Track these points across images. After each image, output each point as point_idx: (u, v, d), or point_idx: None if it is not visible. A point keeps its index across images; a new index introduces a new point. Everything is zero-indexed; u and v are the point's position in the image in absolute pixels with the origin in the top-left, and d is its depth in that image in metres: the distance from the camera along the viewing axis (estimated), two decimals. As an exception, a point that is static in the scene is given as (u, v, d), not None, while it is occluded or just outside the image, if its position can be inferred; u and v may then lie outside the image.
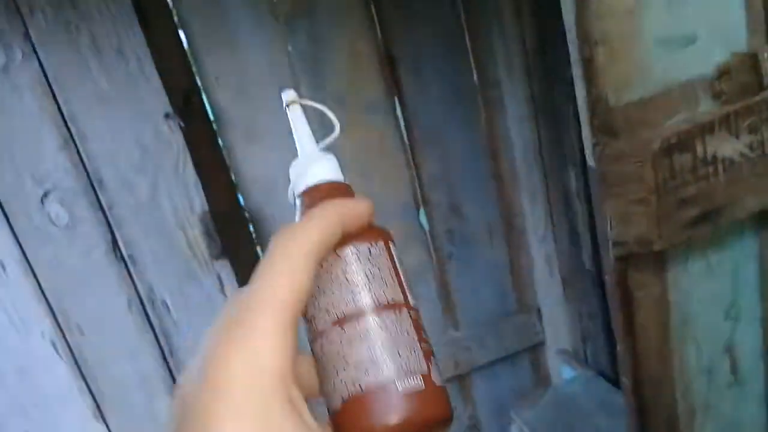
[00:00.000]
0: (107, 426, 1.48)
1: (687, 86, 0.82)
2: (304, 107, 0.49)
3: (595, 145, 0.81)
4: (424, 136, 1.70)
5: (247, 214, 1.61)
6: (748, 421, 1.02)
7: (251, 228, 1.62)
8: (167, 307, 1.46)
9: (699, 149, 0.82)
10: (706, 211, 0.85)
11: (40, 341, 1.40)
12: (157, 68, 1.32)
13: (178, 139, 1.36)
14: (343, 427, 0.39)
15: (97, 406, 1.46)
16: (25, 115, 1.28)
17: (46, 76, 1.27)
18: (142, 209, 1.39)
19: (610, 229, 0.84)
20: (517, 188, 1.84)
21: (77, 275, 1.38)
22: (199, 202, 1.40)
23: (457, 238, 1.81)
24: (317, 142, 0.48)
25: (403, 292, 0.42)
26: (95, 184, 1.35)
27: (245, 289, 0.38)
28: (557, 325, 1.90)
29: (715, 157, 0.82)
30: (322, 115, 0.47)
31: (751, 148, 0.83)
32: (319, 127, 0.48)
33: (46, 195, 1.32)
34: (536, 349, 1.99)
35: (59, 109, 1.29)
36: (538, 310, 1.94)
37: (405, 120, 1.68)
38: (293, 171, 0.47)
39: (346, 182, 0.47)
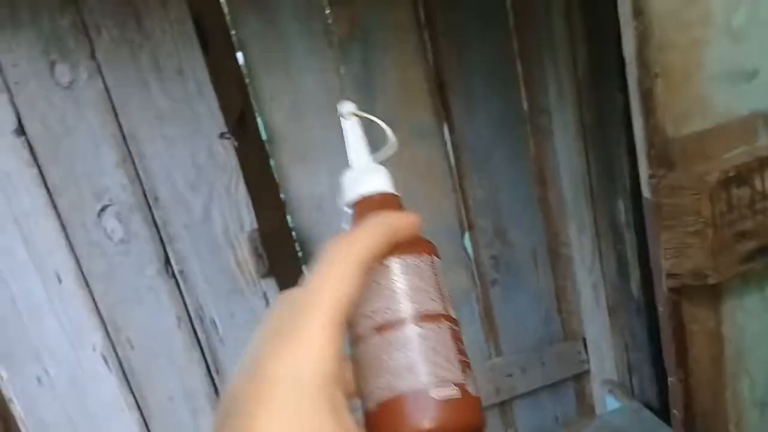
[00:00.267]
0: (154, 440, 1.50)
1: (747, 120, 0.81)
2: (360, 120, 0.50)
3: (651, 177, 0.81)
4: (472, 161, 1.71)
5: (294, 234, 1.62)
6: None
7: (298, 247, 1.63)
8: (215, 325, 1.47)
9: (757, 183, 0.81)
10: (762, 246, 0.84)
11: (91, 353, 1.42)
12: (214, 89, 1.35)
13: (231, 159, 1.38)
14: (376, 429, 0.40)
15: (144, 421, 1.48)
16: (86, 132, 1.31)
17: (109, 94, 1.31)
18: (194, 227, 1.41)
19: (665, 260, 0.84)
20: (564, 216, 1.83)
21: (130, 290, 1.41)
22: (249, 221, 1.42)
23: (502, 264, 1.81)
24: (371, 154, 0.49)
25: (444, 305, 0.43)
26: (150, 201, 1.38)
27: (295, 290, 0.40)
28: (603, 355, 1.87)
29: (773, 192, 0.82)
30: (374, 133, 0.49)
31: (810, 183, 0.82)
32: (371, 144, 0.50)
33: (103, 210, 1.36)
34: (581, 378, 1.97)
35: (119, 126, 1.33)
36: (584, 339, 1.93)
37: (453, 145, 1.69)
38: (346, 180, 0.48)
39: (397, 194, 0.48)
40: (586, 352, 1.93)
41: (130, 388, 1.46)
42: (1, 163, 1.29)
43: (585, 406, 2.00)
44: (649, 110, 0.78)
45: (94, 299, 1.40)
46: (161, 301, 1.43)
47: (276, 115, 1.54)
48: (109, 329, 1.42)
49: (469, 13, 1.61)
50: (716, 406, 0.92)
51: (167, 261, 1.42)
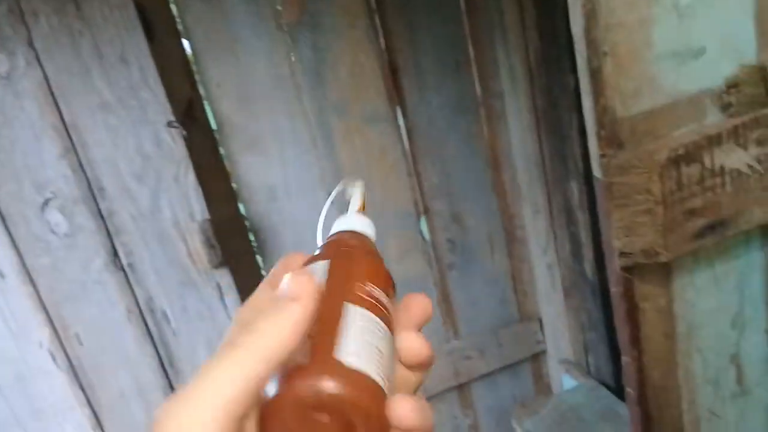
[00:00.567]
0: (106, 437, 1.47)
1: (695, 98, 0.82)
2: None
3: (601, 156, 0.81)
4: (426, 145, 1.70)
5: (247, 223, 1.60)
6: (753, 430, 1.01)
7: (252, 237, 1.61)
8: (167, 317, 1.45)
9: (706, 161, 0.82)
10: (712, 223, 0.84)
11: (37, 351, 1.39)
12: (159, 76, 1.31)
13: (179, 148, 1.35)
14: (278, 398, 0.38)
15: (96, 417, 1.45)
16: (26, 122, 1.27)
17: (48, 83, 1.26)
18: (142, 218, 1.38)
19: (617, 240, 0.84)
20: (518, 199, 1.83)
21: (76, 284, 1.37)
22: (199, 210, 1.39)
23: (459, 248, 1.81)
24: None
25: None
26: (96, 193, 1.34)
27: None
28: (559, 335, 1.89)
29: (722, 169, 0.82)
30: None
31: (758, 160, 0.83)
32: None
33: (46, 203, 1.32)
34: (538, 358, 1.99)
35: (60, 116, 1.29)
36: (540, 320, 1.94)
37: (407, 129, 1.68)
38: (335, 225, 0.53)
39: (369, 238, 0.52)
40: (543, 333, 1.95)
41: (80, 385, 1.43)
42: (-63, 156, 1.24)
43: (542, 386, 2.02)
44: (598, 90, 0.77)
45: (39, 295, 1.36)
46: (110, 295, 1.40)
47: (225, 102, 1.51)
48: (56, 325, 1.38)
49: (420, -5, 1.60)
50: (669, 383, 0.93)
51: (115, 254, 1.38)
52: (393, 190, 1.70)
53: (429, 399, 1.85)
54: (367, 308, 0.42)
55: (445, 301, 1.83)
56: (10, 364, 1.37)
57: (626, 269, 0.86)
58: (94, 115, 1.30)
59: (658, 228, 0.82)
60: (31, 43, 1.24)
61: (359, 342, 0.40)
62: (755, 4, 0.81)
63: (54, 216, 1.32)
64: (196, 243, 1.41)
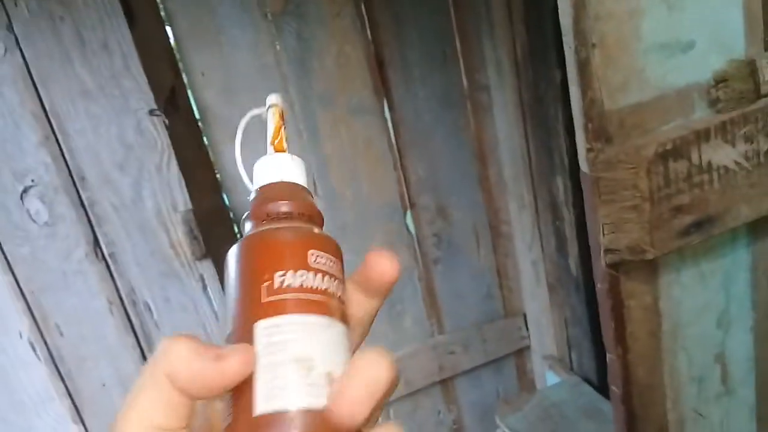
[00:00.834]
0: (86, 428, 1.45)
1: (683, 92, 0.81)
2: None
3: (588, 150, 0.80)
4: (412, 138, 1.69)
5: (231, 214, 1.58)
6: (738, 430, 1.01)
7: (236, 228, 1.59)
8: (149, 308, 1.43)
9: (694, 156, 0.81)
10: (699, 220, 0.84)
11: (17, 341, 1.36)
12: (142, 64, 1.29)
13: (162, 137, 1.33)
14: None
15: (76, 409, 1.43)
16: (5, 109, 1.25)
17: (28, 69, 1.24)
18: (124, 208, 1.36)
19: (603, 236, 0.83)
20: (504, 194, 1.82)
21: (57, 274, 1.35)
22: (182, 201, 1.37)
23: (444, 242, 1.80)
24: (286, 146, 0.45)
25: None
26: (77, 181, 1.32)
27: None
28: (543, 331, 1.88)
29: (710, 165, 0.81)
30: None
31: (746, 157, 0.82)
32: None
33: (26, 191, 1.29)
34: (522, 354, 1.98)
35: (41, 103, 1.26)
36: (524, 315, 1.94)
37: (393, 122, 1.67)
38: (257, 167, 0.44)
39: (303, 186, 0.43)
40: (527, 329, 1.95)
41: (61, 376, 1.41)
42: None
43: (525, 382, 2.02)
44: (585, 82, 0.76)
45: (18, 284, 1.34)
46: (91, 286, 1.38)
47: (208, 91, 1.49)
48: (36, 315, 1.36)
49: (407, -14, 1.58)
50: (654, 381, 0.92)
51: (96, 244, 1.36)
52: (379, 183, 1.68)
53: (412, 393, 1.85)
54: (278, 312, 0.35)
55: (430, 295, 1.82)
56: (-12, 355, 1.35)
57: (612, 266, 0.85)
58: (75, 103, 1.28)
59: (644, 225, 0.81)
60: (10, 28, 1.21)
61: (268, 372, 0.34)
62: (745, -1, 0.81)
63: (34, 204, 1.30)
64: (179, 234, 1.39)
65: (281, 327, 0.35)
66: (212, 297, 1.43)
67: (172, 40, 1.43)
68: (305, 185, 0.44)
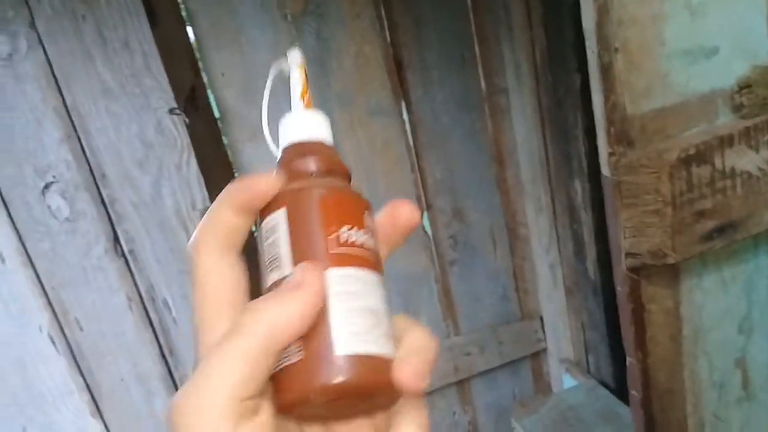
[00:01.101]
0: (104, 423, 1.46)
1: (706, 98, 0.80)
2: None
3: (610, 155, 0.80)
4: (430, 140, 1.69)
5: (249, 214, 1.59)
6: (757, 436, 1.00)
7: (253, 228, 1.60)
8: (167, 305, 1.44)
9: (717, 162, 0.80)
10: (722, 225, 0.83)
11: (37, 334, 1.38)
12: (163, 63, 1.30)
13: (182, 136, 1.34)
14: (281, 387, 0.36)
15: (95, 403, 1.45)
16: (27, 106, 1.26)
17: (51, 66, 1.25)
18: (144, 205, 1.37)
19: (624, 239, 0.83)
20: (521, 196, 1.82)
21: (77, 270, 1.37)
22: (201, 199, 1.38)
23: (461, 244, 1.79)
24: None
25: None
26: (97, 179, 1.33)
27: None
28: (560, 334, 1.88)
29: (733, 171, 0.81)
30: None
31: (770, 162, 0.82)
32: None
33: (47, 187, 1.31)
34: (538, 356, 1.98)
35: (63, 101, 1.27)
36: (541, 318, 1.93)
37: (411, 124, 1.67)
38: (282, 125, 0.45)
39: (328, 144, 0.44)
40: (543, 331, 1.94)
41: (80, 370, 1.42)
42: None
43: (542, 384, 2.01)
44: (608, 86, 0.76)
45: (40, 280, 1.35)
46: (110, 282, 1.39)
47: (228, 91, 1.49)
48: (56, 310, 1.38)
49: (426, -12, 1.58)
50: (674, 385, 0.92)
51: (116, 240, 1.37)
52: (396, 184, 1.68)
53: (428, 394, 1.85)
54: (346, 264, 0.37)
55: (446, 297, 1.82)
56: (10, 348, 1.37)
57: (633, 270, 0.85)
58: (96, 101, 1.29)
59: (666, 229, 0.81)
60: (33, 25, 1.22)
61: (346, 317, 0.36)
62: (770, 4, 0.80)
63: (55, 200, 1.31)
64: (198, 232, 1.40)
65: (351, 278, 0.37)
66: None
67: (192, 40, 1.44)
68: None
